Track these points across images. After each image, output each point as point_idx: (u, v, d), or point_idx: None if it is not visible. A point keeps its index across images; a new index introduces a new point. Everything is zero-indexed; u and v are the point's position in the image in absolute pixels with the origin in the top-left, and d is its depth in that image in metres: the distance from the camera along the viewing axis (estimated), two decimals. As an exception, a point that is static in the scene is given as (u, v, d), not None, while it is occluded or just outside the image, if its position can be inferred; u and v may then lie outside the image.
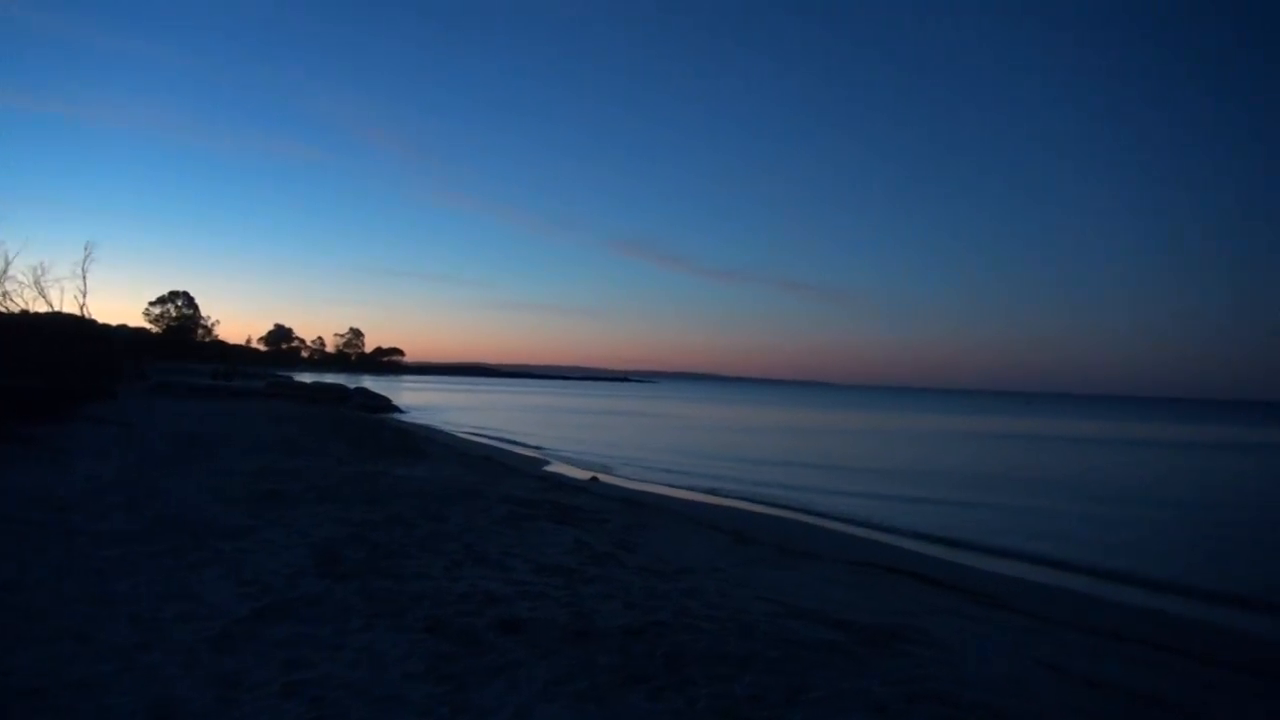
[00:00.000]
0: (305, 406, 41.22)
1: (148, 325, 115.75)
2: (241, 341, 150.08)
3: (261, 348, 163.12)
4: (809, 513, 17.38)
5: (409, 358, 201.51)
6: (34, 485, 11.72)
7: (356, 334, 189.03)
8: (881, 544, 13.97)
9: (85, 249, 31.82)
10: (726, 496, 19.48)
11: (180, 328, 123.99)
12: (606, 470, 23.98)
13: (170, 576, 7.24)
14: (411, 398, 71.21)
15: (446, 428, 38.59)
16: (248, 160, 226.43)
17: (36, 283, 27.83)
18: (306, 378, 79.49)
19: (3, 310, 24.85)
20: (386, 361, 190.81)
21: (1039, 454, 39.79)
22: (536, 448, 30.80)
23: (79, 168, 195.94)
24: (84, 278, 30.82)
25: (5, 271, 24.27)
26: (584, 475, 21.88)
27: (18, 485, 11.57)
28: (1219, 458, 42.05)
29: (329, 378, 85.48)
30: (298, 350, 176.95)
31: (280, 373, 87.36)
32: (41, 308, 28.28)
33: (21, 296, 26.60)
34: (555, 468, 23.85)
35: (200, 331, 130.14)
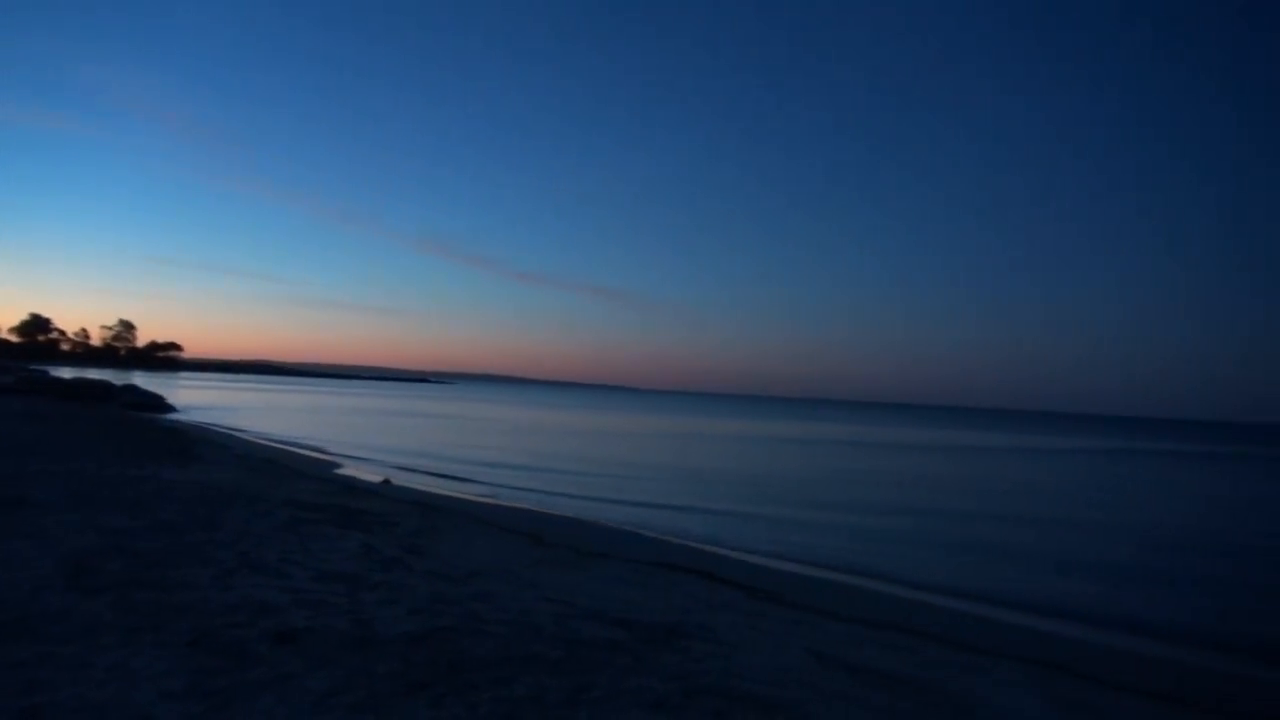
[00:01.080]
0: (62, 404, 37.58)
1: None
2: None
3: (13, 339, 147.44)
4: (602, 515, 17.62)
5: (188, 354, 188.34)
6: None
7: (127, 326, 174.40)
8: (670, 544, 14.37)
9: None
10: (522, 499, 19.43)
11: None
12: (400, 473, 23.34)
13: (-117, 595, 6.40)
14: (189, 396, 66.43)
15: (227, 428, 36.29)
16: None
17: None
18: (66, 373, 72.38)
19: None
20: (161, 357, 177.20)
21: (808, 457, 42.22)
22: (326, 450, 29.53)
23: None
24: None
25: None
26: (376, 478, 21.18)
27: None
28: (978, 458, 46.16)
29: (93, 373, 78.37)
30: (57, 343, 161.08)
31: (35, 367, 79.15)
32: None
33: None
34: (346, 470, 22.95)
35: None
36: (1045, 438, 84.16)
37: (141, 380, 68.12)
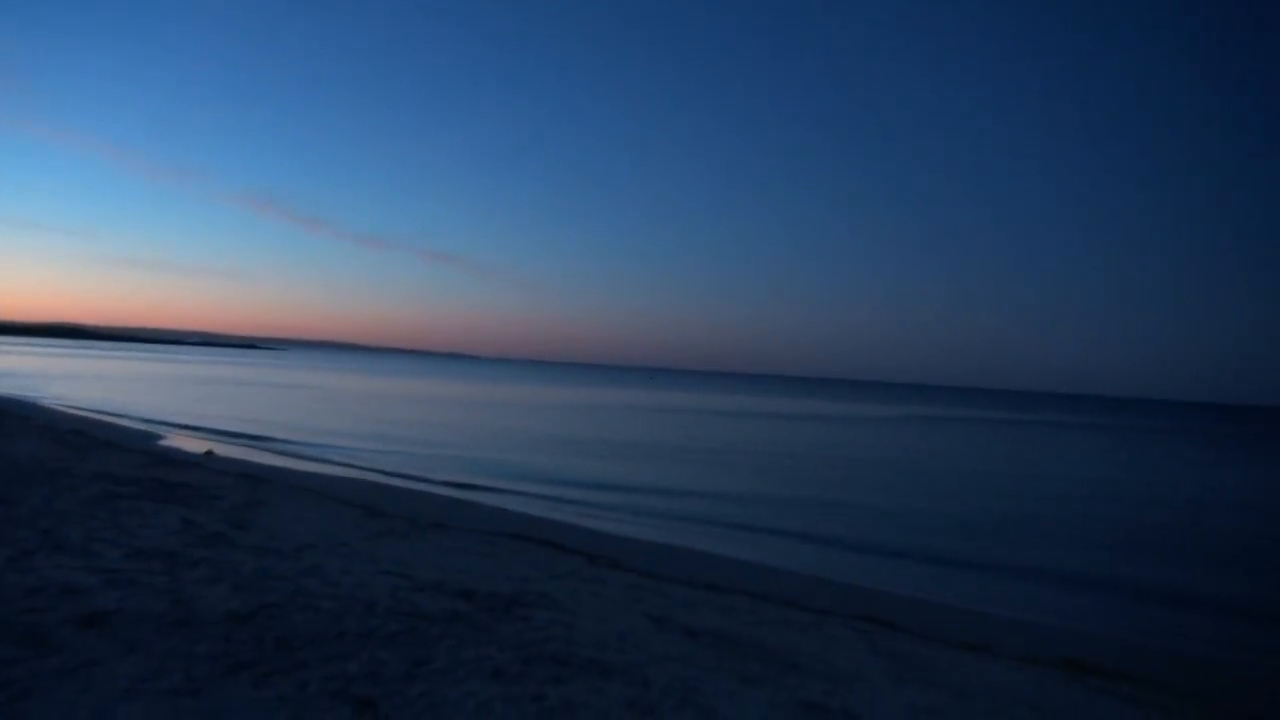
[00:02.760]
0: None
1: None
2: None
3: None
4: (439, 483, 17.32)
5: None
6: None
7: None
8: (508, 512, 14.29)
9: None
10: (356, 469, 18.84)
11: None
12: (225, 443, 22.16)
13: None
14: (-19, 362, 60.76)
15: (28, 397, 33.41)
16: None
17: None
18: None
19: None
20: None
21: (650, 424, 42.97)
22: (143, 420, 27.67)
23: None
24: None
25: None
26: (198, 449, 20.02)
27: None
28: (809, 426, 48.16)
29: None
30: None
31: None
32: None
33: None
34: (163, 441, 21.57)
35: None
36: (866, 406, 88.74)
37: (-75, 344, 61.78)
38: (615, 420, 43.99)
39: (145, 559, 7.50)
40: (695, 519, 14.93)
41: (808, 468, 25.34)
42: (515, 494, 16.60)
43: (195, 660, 4.99)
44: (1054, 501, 21.19)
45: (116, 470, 13.52)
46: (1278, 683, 8.78)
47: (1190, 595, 12.00)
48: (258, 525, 9.82)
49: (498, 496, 16.21)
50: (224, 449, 20.79)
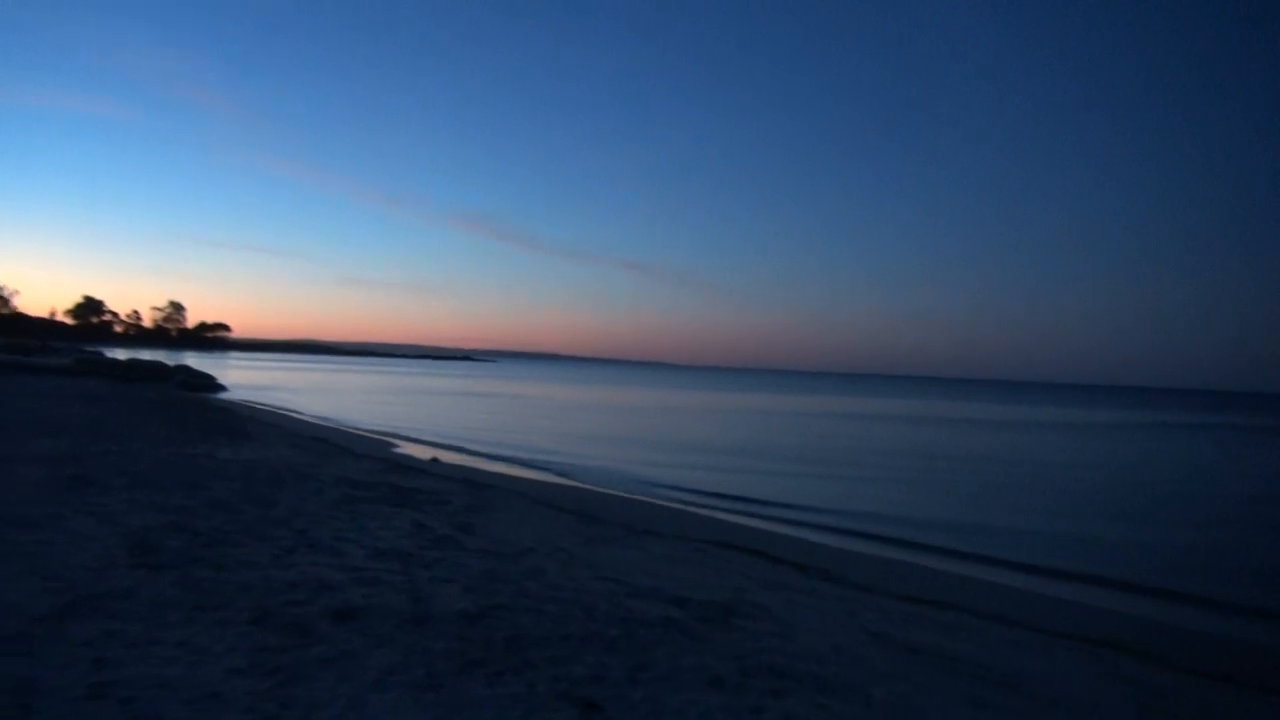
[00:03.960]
0: (118, 385, 38.43)
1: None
2: (45, 314, 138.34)
3: (69, 321, 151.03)
4: (652, 491, 17.63)
5: (237, 334, 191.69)
6: None
7: (177, 308, 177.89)
8: (721, 521, 14.33)
9: None
10: (571, 477, 19.50)
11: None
12: (448, 450, 23.55)
13: (-44, 572, 6.56)
14: (239, 376, 67.63)
15: (277, 407, 36.88)
16: (47, 115, 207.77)
17: None
18: (121, 354, 74.06)
19: None
20: (211, 338, 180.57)
21: (861, 431, 41.86)
22: (374, 428, 29.89)
23: None
24: None
25: None
26: (425, 456, 21.39)
27: None
28: (1046, 435, 45.47)
29: (146, 354, 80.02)
30: (110, 325, 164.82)
31: (90, 349, 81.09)
32: None
33: None
34: (394, 448, 23.21)
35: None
36: (1082, 411, 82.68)
37: (193, 361, 69.36)
38: (817, 426, 43.26)
39: (385, 559, 8.07)
40: (912, 533, 14.35)
41: (1042, 483, 23.86)
42: (721, 503, 16.64)
43: (434, 656, 5.31)
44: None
45: (354, 475, 14.65)
46: None
47: None
48: (482, 529, 10.34)
49: (706, 505, 16.30)
50: (447, 456, 22.08)
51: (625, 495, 16.88)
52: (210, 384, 47.45)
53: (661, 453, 26.27)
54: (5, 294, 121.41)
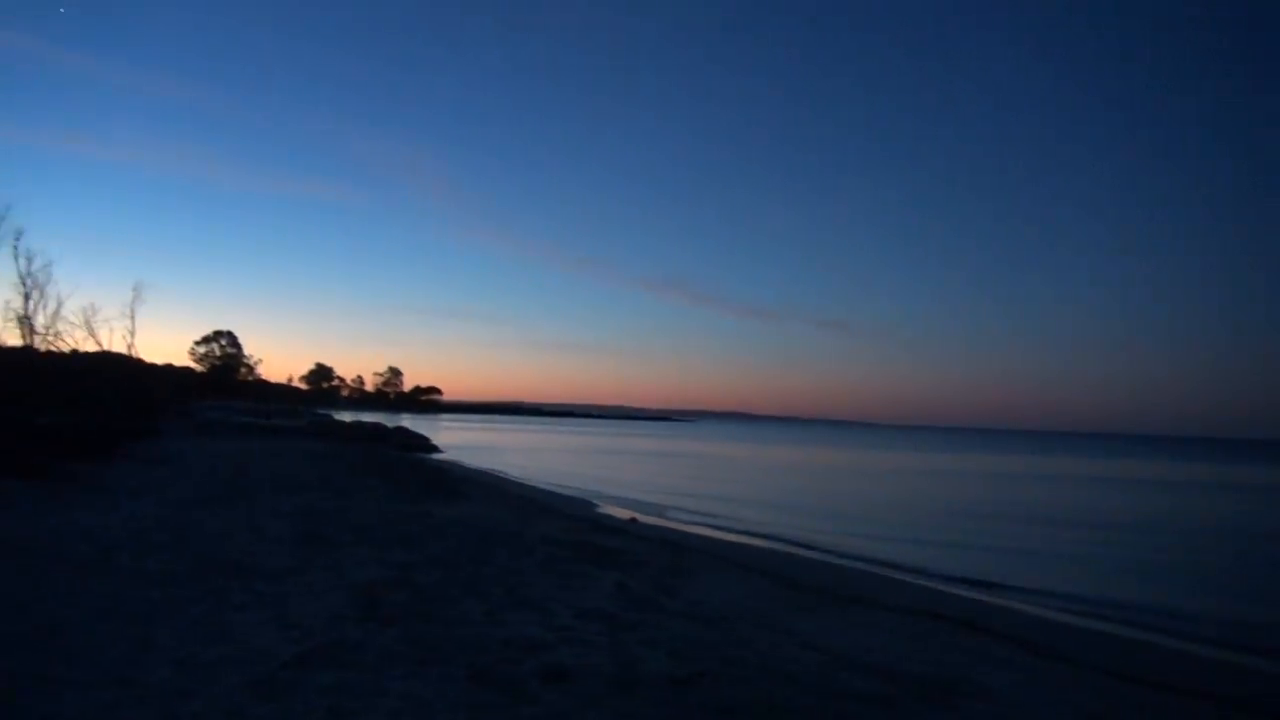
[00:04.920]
0: (345, 446, 41.50)
1: (193, 364, 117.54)
2: (283, 380, 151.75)
3: (303, 386, 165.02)
4: (855, 557, 17.03)
5: (446, 396, 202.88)
6: (79, 523, 11.82)
7: (395, 373, 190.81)
8: (931, 590, 13.61)
9: (133, 289, 32.38)
10: (770, 539, 19.18)
11: (224, 367, 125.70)
12: (646, 511, 23.79)
13: (212, 618, 7.20)
14: (449, 437, 71.49)
15: (484, 467, 38.62)
16: (288, 201, 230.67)
17: (86, 323, 28.40)
18: (346, 416, 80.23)
19: (53, 350, 25.35)
20: (424, 400, 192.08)
21: (1081, 494, 38.87)
22: (574, 488, 30.68)
23: (129, 210, 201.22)
24: (132, 318, 31.31)
25: (57, 312, 24.78)
26: (623, 516, 21.69)
27: (63, 523, 11.68)
28: (1259, 499, 40.80)
29: (368, 416, 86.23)
30: (338, 389, 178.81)
31: (321, 411, 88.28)
32: (91, 347, 28.83)
33: (72, 336, 27.15)
34: (593, 508, 23.69)
35: (243, 370, 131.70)
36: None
37: (409, 422, 74.04)
38: (1042, 489, 40.57)
39: (590, 619, 8.18)
40: (1161, 614, 12.95)
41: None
42: (933, 570, 15.82)
43: (644, 722, 5.29)
44: None
45: (558, 534, 15.03)
46: None
47: None
48: (683, 592, 10.31)
49: (915, 571, 15.56)
50: (645, 516, 22.30)
51: (827, 560, 16.38)
52: (425, 445, 50.38)
53: (864, 515, 25.42)
54: (251, 362, 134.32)
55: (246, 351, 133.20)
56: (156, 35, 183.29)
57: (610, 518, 21.11)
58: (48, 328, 24.43)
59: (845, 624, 9.56)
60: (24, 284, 23.00)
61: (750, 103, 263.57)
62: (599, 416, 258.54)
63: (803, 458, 68.84)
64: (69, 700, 5.05)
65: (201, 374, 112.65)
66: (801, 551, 17.41)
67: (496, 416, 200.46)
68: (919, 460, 71.46)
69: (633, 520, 20.80)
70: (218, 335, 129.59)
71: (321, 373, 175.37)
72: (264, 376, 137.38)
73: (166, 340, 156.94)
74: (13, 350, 23.80)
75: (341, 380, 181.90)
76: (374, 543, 12.06)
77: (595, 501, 25.97)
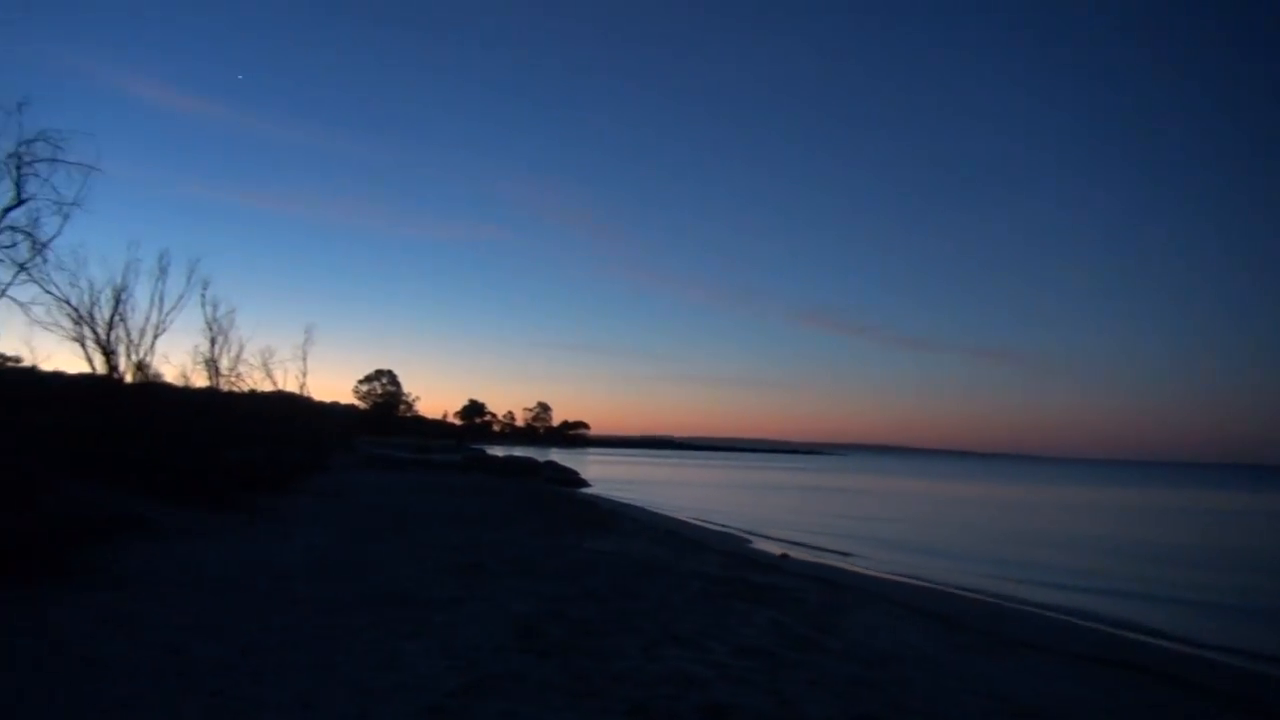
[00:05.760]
0: (499, 479, 42.75)
1: (356, 402, 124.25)
2: (439, 416, 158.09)
3: (457, 422, 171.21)
4: (1018, 599, 16.16)
5: (594, 431, 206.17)
6: (259, 553, 12.62)
7: (544, 408, 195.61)
8: (1107, 635, 12.76)
9: (305, 332, 34.30)
10: (928, 577, 18.47)
11: (385, 404, 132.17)
12: (797, 547, 23.37)
13: (383, 646, 7.52)
14: (597, 471, 72.50)
15: (633, 501, 38.93)
16: (446, 246, 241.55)
17: (264, 364, 30.39)
18: (498, 451, 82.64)
19: (234, 390, 27.25)
20: (572, 435, 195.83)
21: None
22: (722, 523, 30.49)
23: (301, 258, 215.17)
24: (304, 359, 33.29)
25: (239, 355, 26.65)
26: (774, 551, 21.38)
27: (248, 553, 12.50)
28: None
29: (519, 451, 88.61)
30: (490, 424, 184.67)
31: (474, 446, 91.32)
32: (268, 387, 30.82)
33: (251, 377, 29.11)
34: (744, 543, 23.47)
35: (402, 407, 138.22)
36: None
37: (558, 456, 75.52)
38: (1221, 527, 37.53)
39: (747, 657, 8.08)
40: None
41: None
42: (1104, 615, 14.83)
43: (807, 764, 5.17)
44: None
45: (709, 570, 14.97)
46: None
47: None
48: (841, 631, 10.05)
49: (1090, 615, 14.61)
50: (797, 552, 21.91)
51: (989, 600, 15.60)
52: (574, 479, 51.27)
53: (1029, 552, 24.14)
54: (409, 399, 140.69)
55: (405, 389, 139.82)
56: (323, 97, 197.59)
57: (762, 553, 20.85)
58: (230, 369, 26.29)
59: (1013, 668, 9.09)
60: (210, 329, 24.86)
61: (899, 128, 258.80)
62: (746, 450, 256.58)
63: (957, 492, 66.14)
64: (260, 719, 5.37)
65: (364, 411, 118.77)
66: (961, 591, 16.67)
67: (643, 451, 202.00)
68: (1084, 495, 67.42)
69: (784, 556, 20.47)
70: (379, 374, 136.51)
71: (474, 408, 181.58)
72: (421, 413, 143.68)
73: (333, 379, 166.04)
74: (201, 391, 25.72)
75: (493, 415, 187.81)
76: (530, 575, 12.34)
77: (745, 536, 25.71)
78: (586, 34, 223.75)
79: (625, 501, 38.20)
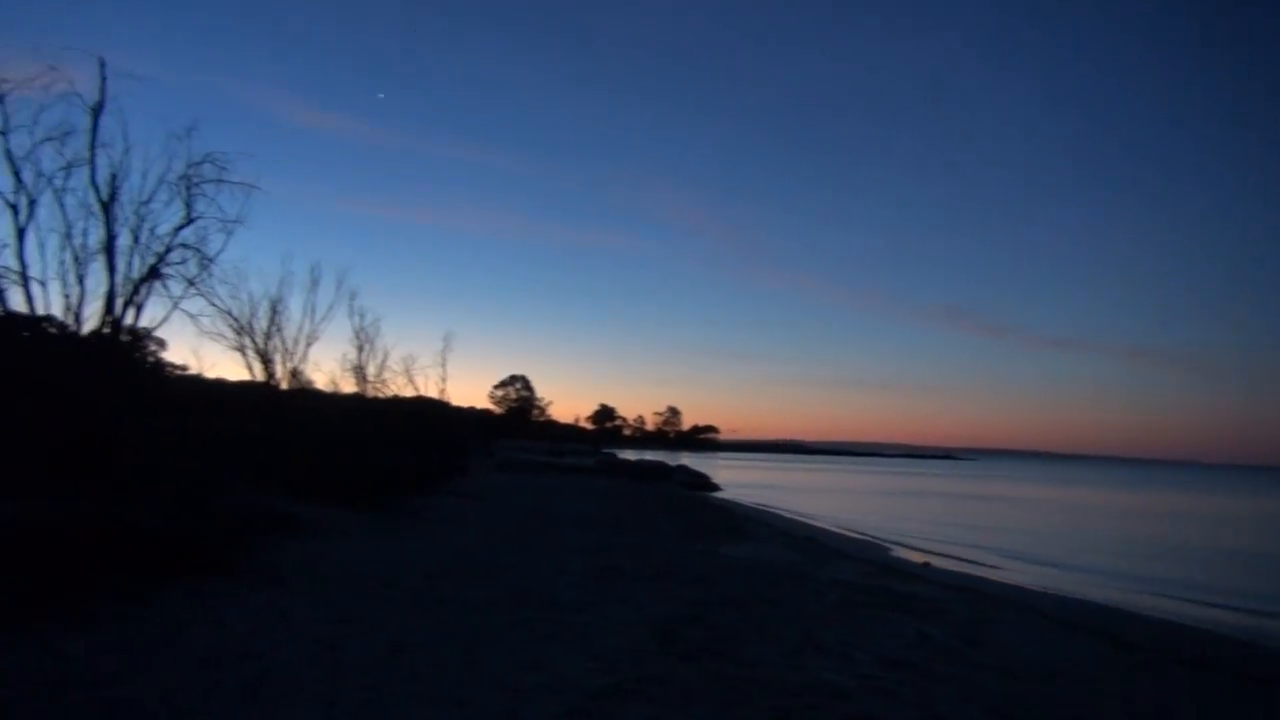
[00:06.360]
0: (631, 483, 43.10)
1: (492, 406, 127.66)
2: (570, 420, 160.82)
3: (588, 426, 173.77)
4: (1200, 614, 15.07)
5: (723, 435, 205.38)
6: (406, 553, 13.07)
7: (674, 412, 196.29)
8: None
9: (444, 339, 35.38)
10: (1086, 591, 17.48)
11: (519, 409, 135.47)
12: (938, 555, 22.59)
13: (527, 646, 7.64)
14: (728, 475, 72.11)
15: (765, 506, 38.52)
16: (577, 253, 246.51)
17: (406, 371, 31.56)
18: (629, 455, 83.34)
19: (379, 395, 28.40)
20: (702, 439, 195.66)
21: None
22: (858, 529, 29.79)
23: (440, 267, 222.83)
24: (444, 365, 34.37)
25: (384, 362, 27.76)
26: (916, 560, 20.73)
27: (396, 553, 12.96)
28: None
29: (649, 454, 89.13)
30: (620, 428, 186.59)
31: (606, 449, 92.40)
32: (410, 393, 31.99)
33: (395, 383, 30.28)
34: (883, 551, 22.84)
35: (535, 411, 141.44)
36: None
37: (688, 460, 75.49)
38: None
39: (893, 668, 7.82)
40: None
41: None
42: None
43: (965, 784, 4.93)
44: None
45: (848, 577, 14.61)
46: None
47: None
48: (992, 644, 9.62)
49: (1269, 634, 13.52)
50: (940, 561, 21.17)
51: (1162, 617, 14.55)
52: (706, 483, 51.15)
53: (1201, 565, 22.60)
54: (542, 404, 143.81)
55: (538, 394, 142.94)
56: (461, 112, 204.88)
57: (903, 561, 20.25)
58: (376, 376, 27.42)
59: (1189, 692, 8.48)
60: (358, 337, 26.00)
61: (1038, 121, 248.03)
62: (880, 455, 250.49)
63: (1109, 499, 62.67)
64: (415, 715, 5.52)
65: (499, 415, 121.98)
66: (1126, 606, 15.68)
67: (774, 455, 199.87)
68: (1248, 505, 62.70)
69: (926, 565, 19.81)
70: (513, 379, 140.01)
71: (605, 413, 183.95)
72: (553, 417, 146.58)
73: (469, 384, 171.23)
74: (349, 397, 26.94)
75: (623, 420, 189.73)
76: (666, 579, 12.34)
77: (884, 543, 25.03)
78: (717, 37, 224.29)
79: (758, 506, 37.81)
